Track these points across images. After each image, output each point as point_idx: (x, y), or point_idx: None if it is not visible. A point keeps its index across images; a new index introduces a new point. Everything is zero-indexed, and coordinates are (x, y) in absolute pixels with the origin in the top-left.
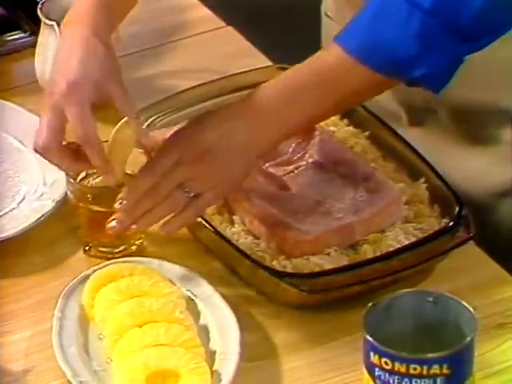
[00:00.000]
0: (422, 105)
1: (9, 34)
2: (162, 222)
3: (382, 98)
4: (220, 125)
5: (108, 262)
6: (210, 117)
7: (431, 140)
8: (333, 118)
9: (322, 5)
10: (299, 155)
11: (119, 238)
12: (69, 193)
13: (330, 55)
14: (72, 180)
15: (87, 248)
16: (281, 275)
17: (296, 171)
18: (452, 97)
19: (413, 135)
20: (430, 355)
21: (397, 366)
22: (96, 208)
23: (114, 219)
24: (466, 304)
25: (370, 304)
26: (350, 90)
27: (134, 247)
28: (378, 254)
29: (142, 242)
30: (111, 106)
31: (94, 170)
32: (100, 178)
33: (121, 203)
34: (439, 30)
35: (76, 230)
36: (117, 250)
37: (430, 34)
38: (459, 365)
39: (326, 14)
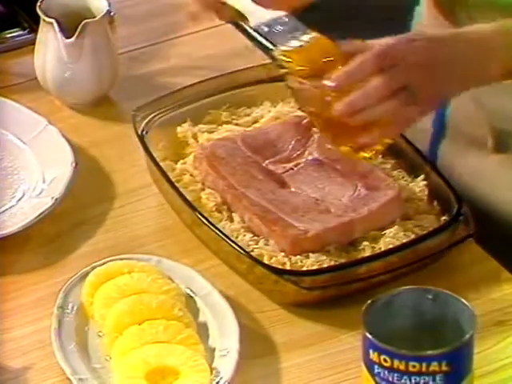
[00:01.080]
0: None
1: (8, 31)
2: None
3: (468, 122)
4: (457, 46)
5: (107, 259)
6: (449, 38)
7: None
8: None
9: (413, 20)
10: (298, 152)
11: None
12: (300, 105)
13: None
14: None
15: (344, 152)
16: (280, 272)
17: (295, 169)
18: None
19: (497, 161)
20: (429, 352)
21: (396, 363)
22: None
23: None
24: (465, 301)
25: (369, 301)
26: None
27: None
28: (378, 251)
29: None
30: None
31: None
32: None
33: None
34: None
35: (74, 228)
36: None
37: None
38: (458, 362)
39: None
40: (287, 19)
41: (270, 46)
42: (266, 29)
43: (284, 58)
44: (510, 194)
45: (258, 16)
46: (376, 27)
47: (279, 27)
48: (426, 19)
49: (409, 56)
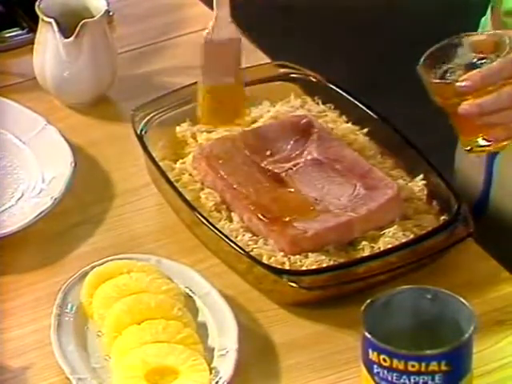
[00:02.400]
0: None
1: (7, 30)
2: None
3: None
4: None
5: (106, 259)
6: None
7: None
8: (331, 114)
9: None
10: (298, 152)
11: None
12: (434, 97)
13: None
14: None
15: (468, 149)
16: (279, 272)
17: (294, 168)
18: None
19: None
20: (429, 352)
21: (395, 362)
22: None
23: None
24: (464, 301)
25: (369, 301)
26: None
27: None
28: (377, 251)
29: None
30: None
31: None
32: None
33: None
34: None
35: (73, 227)
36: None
37: None
38: (457, 362)
39: None
40: None
41: None
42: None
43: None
44: None
45: None
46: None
47: None
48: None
49: None
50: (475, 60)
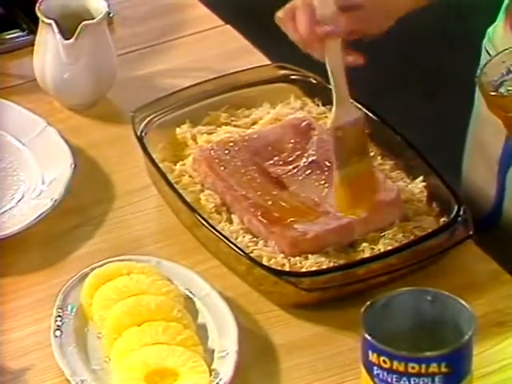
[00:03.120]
0: None
1: (7, 32)
2: None
3: (490, 142)
4: None
5: (106, 261)
6: None
7: None
8: (331, 115)
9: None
10: (298, 154)
11: None
12: (493, 110)
13: None
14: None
15: None
16: (279, 274)
17: (295, 171)
18: None
19: None
20: (429, 354)
21: (395, 364)
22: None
23: None
24: (464, 302)
25: (369, 302)
26: None
27: None
28: (377, 252)
29: None
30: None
31: None
32: None
33: None
34: None
35: (73, 229)
36: None
37: None
38: (458, 363)
39: (487, 51)
40: None
41: None
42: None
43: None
44: None
45: None
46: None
47: None
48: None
49: None
50: None
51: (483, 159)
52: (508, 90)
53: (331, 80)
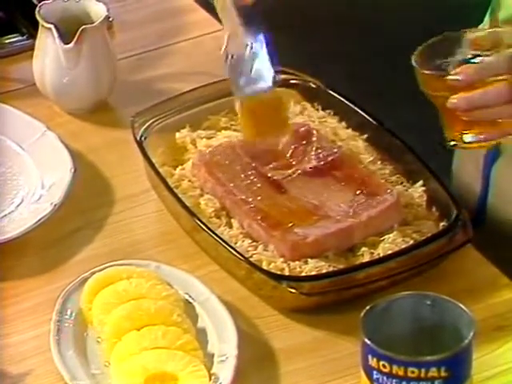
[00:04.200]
0: None
1: (7, 36)
2: None
3: None
4: None
5: (106, 265)
6: None
7: None
8: (330, 119)
9: None
10: (297, 159)
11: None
12: (424, 87)
13: None
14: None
15: (452, 143)
16: (279, 278)
17: (294, 175)
18: None
19: None
20: (428, 358)
21: (395, 368)
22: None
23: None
24: (463, 307)
25: (368, 307)
26: None
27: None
28: (376, 257)
29: None
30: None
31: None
32: None
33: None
34: None
35: (73, 233)
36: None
37: None
38: (457, 367)
39: None
40: None
41: None
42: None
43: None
44: None
45: None
46: None
47: None
48: None
49: None
50: (470, 56)
51: (470, 155)
52: (442, 71)
53: (217, 6)
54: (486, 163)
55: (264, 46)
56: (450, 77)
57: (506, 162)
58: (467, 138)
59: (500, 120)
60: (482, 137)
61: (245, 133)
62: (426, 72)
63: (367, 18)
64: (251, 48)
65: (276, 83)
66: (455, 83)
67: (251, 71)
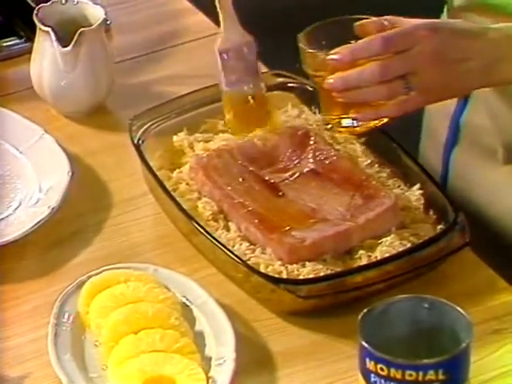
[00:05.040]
0: None
1: (4, 39)
2: None
3: (481, 132)
4: (463, 50)
5: (104, 269)
6: (464, 33)
7: None
8: None
9: None
10: (294, 163)
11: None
12: (306, 67)
13: None
14: (311, 51)
15: (330, 126)
16: (276, 281)
17: (292, 178)
18: None
19: (505, 172)
20: (426, 361)
21: (392, 371)
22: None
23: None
24: (461, 310)
25: (366, 310)
26: None
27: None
28: (374, 260)
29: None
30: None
31: None
32: None
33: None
34: None
35: (70, 237)
36: (358, 124)
37: None
38: (455, 371)
39: None
40: None
41: None
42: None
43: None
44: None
45: None
46: None
47: None
48: None
49: (423, 44)
50: (354, 41)
51: (432, 144)
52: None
53: (218, 4)
54: (446, 149)
55: (255, 46)
56: (328, 57)
57: (462, 149)
58: (344, 122)
59: (375, 103)
60: (357, 121)
61: (231, 128)
62: (308, 50)
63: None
64: (244, 47)
65: (263, 82)
66: (332, 63)
67: (241, 68)
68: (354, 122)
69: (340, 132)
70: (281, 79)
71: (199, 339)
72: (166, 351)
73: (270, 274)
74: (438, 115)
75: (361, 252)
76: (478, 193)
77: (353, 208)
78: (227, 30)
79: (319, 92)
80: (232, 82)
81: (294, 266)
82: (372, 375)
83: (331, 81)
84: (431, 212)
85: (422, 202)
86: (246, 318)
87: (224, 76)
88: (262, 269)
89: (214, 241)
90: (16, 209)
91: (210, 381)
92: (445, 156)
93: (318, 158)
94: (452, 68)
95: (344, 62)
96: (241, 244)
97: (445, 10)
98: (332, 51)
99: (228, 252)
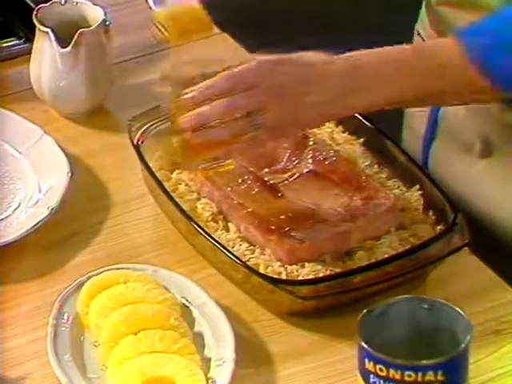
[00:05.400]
0: (497, 135)
1: (4, 40)
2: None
3: (458, 127)
4: (307, 82)
5: (103, 269)
6: (309, 65)
7: (500, 174)
8: (328, 124)
9: (416, 23)
10: (294, 163)
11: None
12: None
13: (446, 47)
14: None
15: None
16: (276, 282)
17: (291, 179)
18: None
19: (482, 166)
20: (425, 362)
21: (391, 372)
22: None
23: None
24: (460, 311)
25: (365, 310)
26: (452, 87)
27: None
28: (373, 260)
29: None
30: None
31: None
32: None
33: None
34: None
35: (70, 237)
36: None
37: None
38: (454, 371)
39: (418, 33)
40: None
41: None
42: None
43: (161, 26)
44: (493, 201)
45: None
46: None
47: None
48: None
49: (267, 80)
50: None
51: (412, 138)
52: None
53: None
54: (425, 143)
55: None
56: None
57: (440, 143)
58: (197, 164)
59: (227, 140)
60: (209, 161)
61: (170, 38)
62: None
63: (366, 20)
64: None
65: None
66: (186, 103)
67: None
68: (206, 163)
69: (196, 175)
70: None
71: (199, 340)
72: (166, 352)
73: (270, 274)
74: (417, 109)
75: (360, 253)
76: (457, 187)
77: (352, 209)
78: None
79: (175, 136)
80: None
81: (294, 266)
82: (371, 376)
83: (184, 119)
84: (430, 213)
85: (422, 202)
86: (245, 318)
87: None
88: (261, 269)
89: (214, 242)
90: (15, 209)
91: (210, 381)
92: (424, 150)
93: (317, 159)
94: (297, 102)
95: (195, 101)
96: (240, 245)
97: (423, 5)
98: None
99: (227, 253)
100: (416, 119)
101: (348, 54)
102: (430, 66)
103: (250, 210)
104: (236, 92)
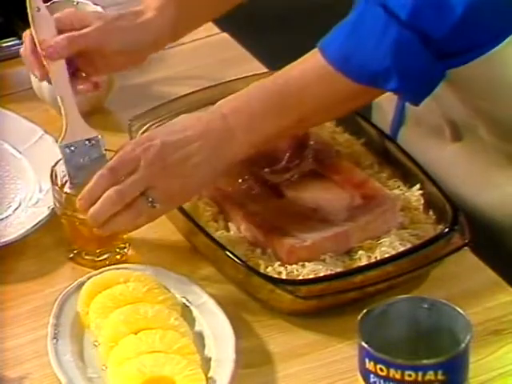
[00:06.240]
0: (465, 120)
1: (4, 40)
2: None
3: (425, 112)
4: (182, 146)
5: (103, 269)
6: (175, 133)
7: (472, 157)
8: (328, 124)
9: None
10: (295, 163)
11: (102, 246)
12: (54, 201)
13: (310, 60)
14: (57, 188)
15: (71, 255)
16: (276, 281)
17: (292, 179)
18: (493, 114)
19: (454, 150)
20: (425, 362)
21: (392, 372)
22: (80, 216)
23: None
24: (460, 310)
25: (365, 310)
26: (331, 99)
27: (118, 256)
28: (373, 260)
29: (126, 252)
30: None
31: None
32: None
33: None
34: (414, 43)
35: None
36: (100, 259)
37: (405, 46)
38: (454, 371)
39: None
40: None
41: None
42: (68, 150)
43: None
44: (464, 183)
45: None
46: None
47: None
48: None
49: (145, 158)
50: None
51: (381, 123)
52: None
53: (59, 101)
54: (393, 129)
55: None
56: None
57: (408, 129)
58: (89, 255)
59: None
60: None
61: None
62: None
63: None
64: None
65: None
66: (81, 209)
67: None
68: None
69: (84, 265)
70: None
71: (199, 340)
72: (166, 352)
73: (270, 274)
74: (384, 95)
75: (360, 252)
76: (430, 171)
77: (353, 209)
78: (70, 126)
79: (67, 226)
80: (74, 177)
81: (294, 266)
82: (371, 375)
83: (88, 218)
84: (431, 212)
85: (422, 202)
86: (245, 318)
87: (68, 171)
88: (261, 269)
89: (214, 241)
90: (16, 209)
91: (210, 381)
92: (392, 136)
93: (318, 159)
94: (179, 169)
95: (88, 206)
96: (240, 244)
97: None
98: (79, 196)
99: (228, 252)
100: (384, 105)
101: (217, 103)
102: (291, 103)
103: (250, 209)
104: (122, 179)
